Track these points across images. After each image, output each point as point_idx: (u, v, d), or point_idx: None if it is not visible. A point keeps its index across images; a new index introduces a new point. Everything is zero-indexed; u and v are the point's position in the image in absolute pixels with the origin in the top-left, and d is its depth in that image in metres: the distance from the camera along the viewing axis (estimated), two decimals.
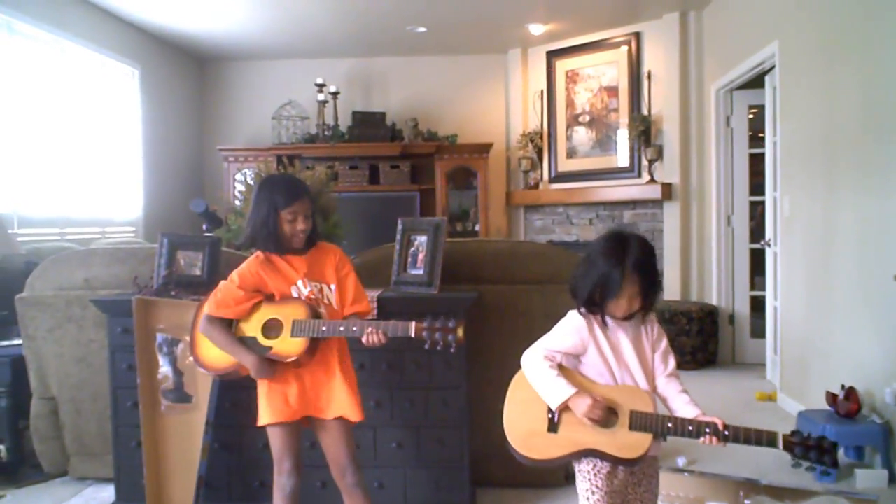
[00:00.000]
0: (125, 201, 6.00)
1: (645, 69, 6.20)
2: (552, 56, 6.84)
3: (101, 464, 3.18)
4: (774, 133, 4.65)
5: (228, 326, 2.24)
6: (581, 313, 1.93)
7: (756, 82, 5.13)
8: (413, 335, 2.12)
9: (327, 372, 2.25)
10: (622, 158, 6.38)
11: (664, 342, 1.96)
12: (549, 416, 1.89)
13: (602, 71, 6.52)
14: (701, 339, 5.41)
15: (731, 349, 5.65)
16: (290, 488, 2.24)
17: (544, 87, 6.90)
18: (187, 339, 2.67)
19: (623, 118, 6.36)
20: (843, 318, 3.60)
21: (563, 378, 1.87)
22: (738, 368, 5.45)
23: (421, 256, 2.88)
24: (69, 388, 3.17)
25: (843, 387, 3.30)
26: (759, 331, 5.42)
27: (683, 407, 1.87)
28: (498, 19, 6.08)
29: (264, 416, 2.24)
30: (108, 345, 2.90)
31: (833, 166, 3.71)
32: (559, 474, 3.03)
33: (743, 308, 5.62)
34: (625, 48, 6.34)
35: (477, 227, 6.94)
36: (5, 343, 3.41)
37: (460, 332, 2.10)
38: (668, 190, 5.95)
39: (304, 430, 2.32)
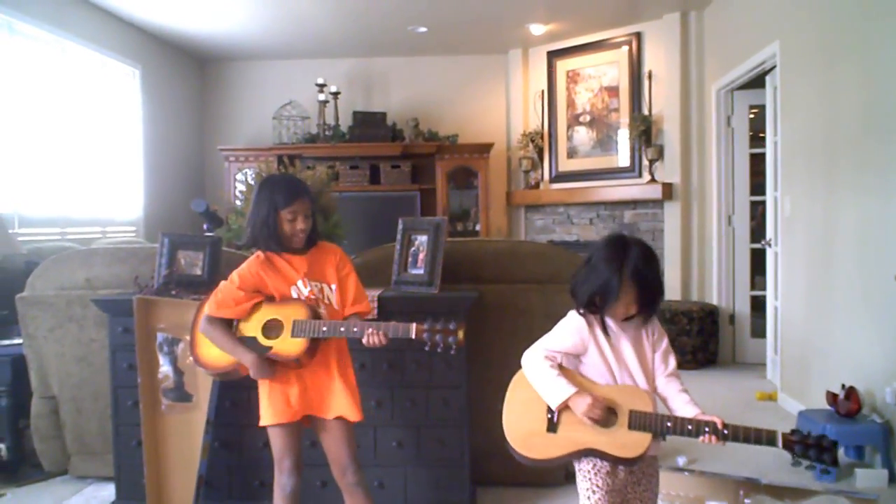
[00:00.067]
0: (126, 201, 6.01)
1: (646, 69, 6.20)
2: (553, 56, 6.84)
3: (101, 463, 3.19)
4: (775, 133, 4.65)
5: (229, 326, 2.24)
6: (581, 314, 1.93)
7: (757, 82, 5.13)
8: (413, 337, 2.12)
9: (327, 372, 2.25)
10: (623, 158, 6.38)
11: (665, 342, 1.96)
12: (549, 415, 1.89)
13: (603, 71, 6.52)
14: (701, 339, 5.41)
15: (731, 349, 5.65)
16: (291, 488, 2.25)
17: (545, 86, 6.90)
18: (188, 338, 2.67)
19: (624, 118, 6.36)
20: (844, 317, 3.60)
21: (564, 378, 1.87)
22: (739, 368, 5.45)
23: (421, 256, 2.89)
24: (70, 387, 3.18)
25: (843, 386, 3.30)
26: (759, 330, 5.42)
27: (683, 406, 1.87)
28: (499, 19, 6.08)
29: (266, 417, 2.24)
30: (108, 344, 2.91)
31: (834, 166, 3.71)
32: (559, 473, 3.03)
33: (743, 308, 5.62)
34: (625, 48, 6.34)
35: (477, 227, 6.95)
36: (6, 342, 3.41)
37: (461, 334, 2.11)
38: (668, 190, 5.95)
39: (304, 429, 2.32)
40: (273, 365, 2.19)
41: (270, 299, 2.24)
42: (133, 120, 6.13)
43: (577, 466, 1.93)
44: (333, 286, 2.29)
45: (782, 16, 4.37)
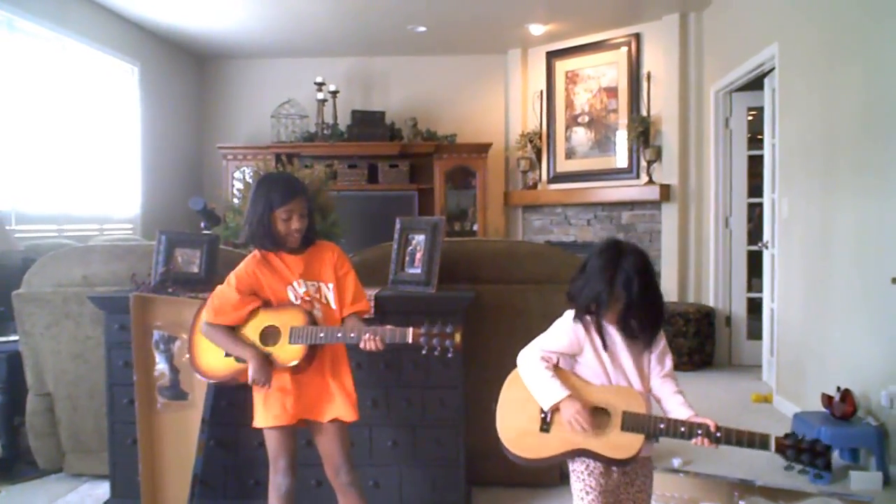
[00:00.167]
0: (124, 198, 6.00)
1: (644, 70, 6.20)
2: (552, 56, 6.85)
3: (96, 461, 3.18)
4: (773, 135, 4.66)
5: (229, 327, 2.24)
6: (577, 315, 1.93)
7: (755, 84, 5.13)
8: (410, 341, 2.12)
9: (321, 376, 2.25)
10: (621, 159, 6.39)
11: (662, 343, 1.96)
12: (542, 415, 1.90)
13: (602, 72, 6.52)
14: (698, 341, 5.42)
15: (727, 351, 5.66)
16: (286, 487, 2.24)
17: (544, 87, 6.90)
18: (184, 336, 2.67)
19: (622, 119, 6.36)
20: (840, 320, 3.60)
21: (558, 380, 1.88)
22: (735, 370, 5.46)
23: (419, 256, 2.89)
24: (65, 384, 3.17)
25: (838, 389, 3.30)
26: (755, 332, 5.43)
27: (677, 408, 1.87)
28: (498, 19, 6.08)
29: (260, 420, 2.24)
30: (104, 341, 2.90)
31: (832, 168, 3.71)
32: (554, 474, 3.03)
33: (740, 310, 5.63)
34: (624, 49, 6.34)
35: (475, 227, 6.95)
36: (2, 339, 3.40)
37: (457, 338, 2.11)
38: (666, 191, 5.95)
39: (299, 429, 2.31)
40: (271, 367, 2.19)
41: (267, 305, 2.24)
42: (131, 117, 6.12)
43: (570, 467, 1.93)
44: (331, 285, 2.28)
45: (781, 18, 4.38)
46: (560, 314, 1.98)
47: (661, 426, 1.81)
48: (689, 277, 5.98)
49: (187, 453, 2.71)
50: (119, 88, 5.98)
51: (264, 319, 2.22)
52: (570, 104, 6.76)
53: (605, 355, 1.91)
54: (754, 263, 5.50)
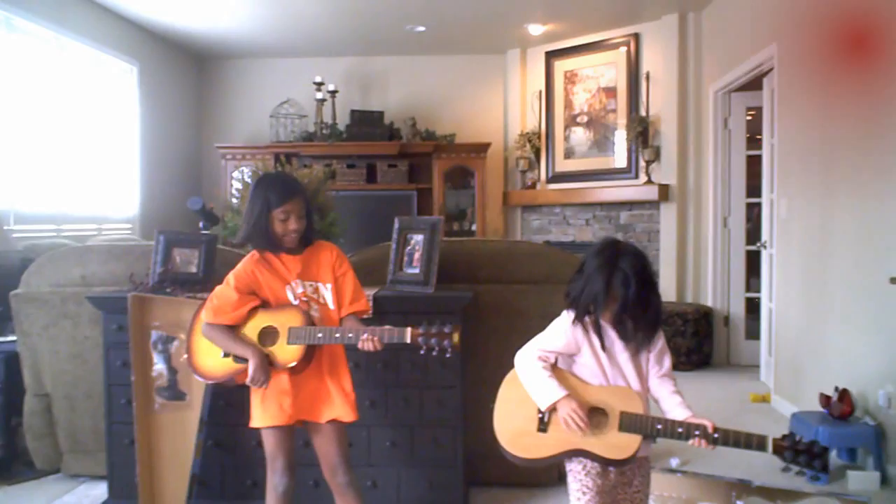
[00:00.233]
0: (122, 198, 5.99)
1: (643, 70, 6.21)
2: (551, 56, 6.84)
3: (94, 461, 3.18)
4: (772, 135, 4.66)
5: (229, 327, 2.24)
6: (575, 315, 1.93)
7: (754, 84, 5.13)
8: (409, 341, 2.12)
9: (320, 377, 2.25)
10: (619, 159, 6.39)
11: (660, 342, 1.96)
12: (540, 415, 1.90)
13: (600, 72, 6.52)
14: (696, 341, 5.42)
15: (725, 350, 5.66)
16: (283, 488, 2.24)
17: (543, 87, 6.90)
18: (182, 336, 2.67)
19: (621, 119, 6.36)
20: (838, 320, 3.61)
21: (555, 380, 1.88)
22: (733, 370, 5.46)
23: (417, 255, 2.89)
24: (63, 384, 3.17)
25: (836, 388, 3.31)
26: (753, 332, 5.44)
27: (675, 408, 1.87)
28: (497, 19, 6.08)
29: (257, 420, 2.24)
30: (102, 342, 2.90)
31: (830, 168, 3.71)
32: (553, 473, 3.04)
33: (738, 309, 5.63)
34: (623, 49, 6.34)
35: (474, 227, 6.95)
36: (0, 339, 3.40)
37: (455, 338, 2.10)
38: (665, 191, 5.95)
39: (297, 429, 2.31)
40: (270, 367, 2.19)
41: (266, 305, 2.24)
42: (130, 117, 6.12)
43: (567, 467, 1.93)
44: (329, 285, 2.28)
45: (780, 18, 4.38)
46: (559, 314, 1.98)
47: (659, 427, 1.81)
48: (688, 277, 5.98)
49: (185, 454, 2.71)
50: (118, 88, 5.97)
51: (262, 320, 2.22)
52: (568, 104, 6.76)
53: (603, 355, 1.91)
54: (753, 263, 5.50)
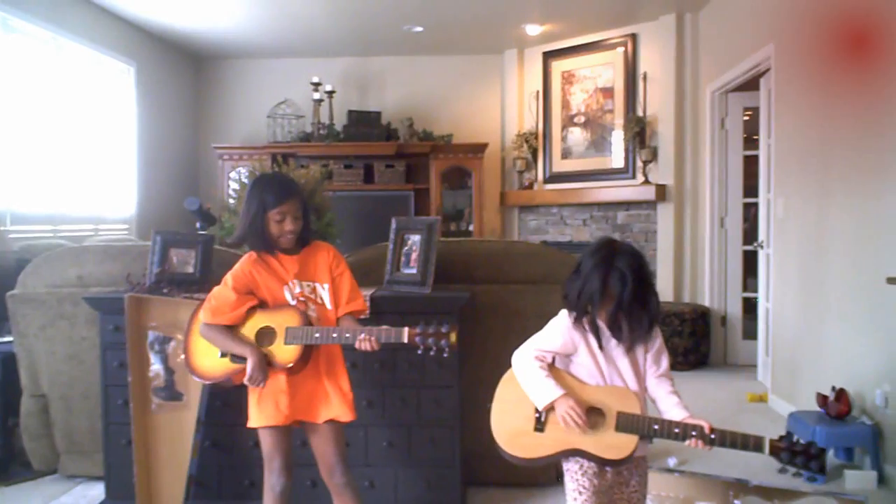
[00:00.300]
0: (119, 199, 5.99)
1: (640, 70, 6.21)
2: (548, 57, 6.85)
3: (91, 462, 3.17)
4: (769, 135, 4.67)
5: (227, 327, 2.23)
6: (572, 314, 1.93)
7: (751, 84, 5.14)
8: (406, 341, 2.12)
9: (315, 377, 2.25)
10: (617, 159, 6.40)
11: (658, 342, 1.96)
12: (537, 415, 1.90)
13: (598, 72, 6.53)
14: (693, 340, 5.43)
15: (722, 350, 5.67)
16: (281, 488, 2.24)
17: (540, 87, 6.91)
18: (179, 336, 2.66)
19: (618, 119, 6.37)
20: (835, 319, 3.61)
21: (552, 379, 1.88)
22: (730, 369, 5.47)
23: (414, 256, 2.89)
24: (60, 385, 3.16)
25: (833, 388, 3.31)
26: (751, 332, 5.44)
27: (672, 408, 1.87)
28: (494, 19, 6.09)
29: (254, 420, 2.24)
30: (99, 342, 2.89)
31: (827, 168, 3.72)
32: (550, 473, 3.03)
33: (735, 309, 5.64)
34: (621, 49, 6.35)
35: (471, 227, 6.95)
36: None
37: (453, 338, 2.10)
38: (662, 191, 5.96)
39: (294, 429, 2.31)
40: (267, 367, 2.19)
41: (263, 305, 2.23)
42: (127, 117, 6.11)
43: (564, 466, 1.93)
44: (326, 286, 2.28)
45: (777, 18, 4.39)
46: (556, 314, 1.98)
47: (656, 427, 1.81)
48: (685, 277, 5.99)
49: (182, 454, 2.71)
50: (115, 88, 5.96)
51: (260, 320, 2.22)
52: (566, 104, 6.76)
53: (600, 355, 1.91)
54: (750, 263, 5.51)
